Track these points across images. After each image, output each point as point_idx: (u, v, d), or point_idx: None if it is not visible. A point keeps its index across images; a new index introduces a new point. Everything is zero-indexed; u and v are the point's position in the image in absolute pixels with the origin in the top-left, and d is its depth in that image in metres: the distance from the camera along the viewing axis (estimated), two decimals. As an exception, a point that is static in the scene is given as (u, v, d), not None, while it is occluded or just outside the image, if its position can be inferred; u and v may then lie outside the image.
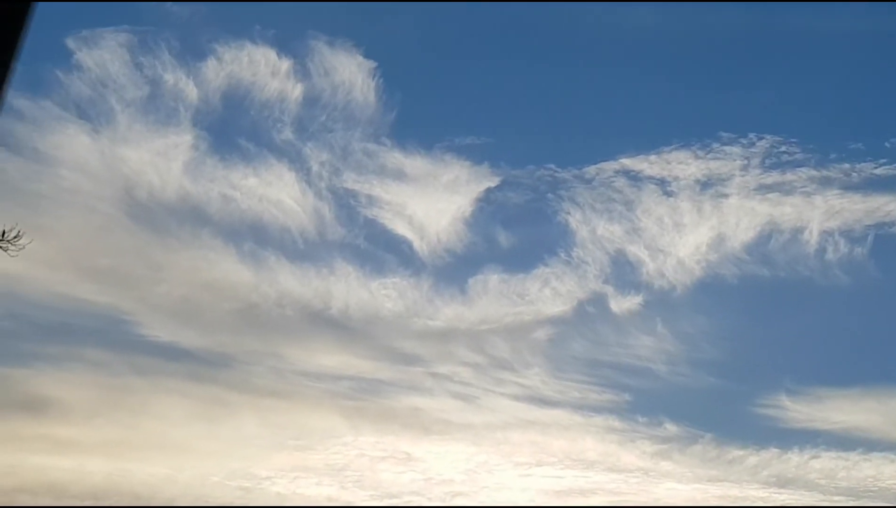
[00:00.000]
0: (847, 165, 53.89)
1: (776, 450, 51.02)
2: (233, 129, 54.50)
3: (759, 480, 50.34)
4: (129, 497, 47.44)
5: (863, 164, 53.83)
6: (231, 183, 53.27)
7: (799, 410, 51.51)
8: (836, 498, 49.47)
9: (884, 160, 53.73)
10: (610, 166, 54.49)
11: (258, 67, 53.93)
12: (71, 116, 52.26)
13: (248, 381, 51.46)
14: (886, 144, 54.19)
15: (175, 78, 53.24)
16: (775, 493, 49.96)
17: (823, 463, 50.65)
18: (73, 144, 52.03)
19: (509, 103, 57.12)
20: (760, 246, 53.90)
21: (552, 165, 54.70)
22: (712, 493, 49.92)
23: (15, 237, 28.09)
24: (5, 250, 25.52)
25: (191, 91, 53.22)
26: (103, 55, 52.68)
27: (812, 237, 53.57)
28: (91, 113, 52.61)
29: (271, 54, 54.00)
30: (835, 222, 53.72)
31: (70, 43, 52.53)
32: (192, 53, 53.65)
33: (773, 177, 54.04)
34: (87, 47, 52.55)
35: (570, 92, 56.98)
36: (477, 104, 57.07)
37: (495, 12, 55.84)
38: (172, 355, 51.21)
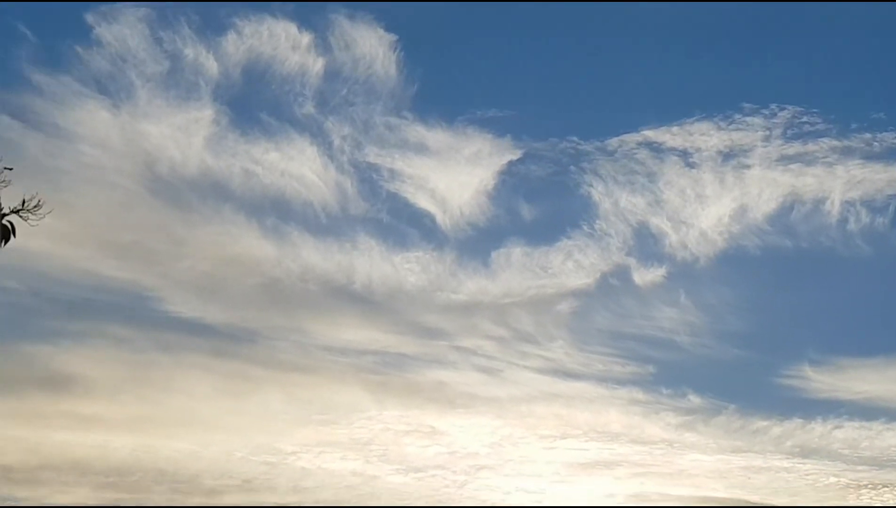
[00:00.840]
0: (868, 135, 54.14)
1: (799, 420, 51.24)
2: (254, 103, 54.73)
3: (783, 450, 50.55)
4: (154, 473, 47.84)
5: (884, 133, 54.14)
6: (253, 158, 53.50)
7: (822, 380, 51.78)
8: (860, 468, 49.83)
9: (906, 130, 53.86)
10: (632, 138, 54.74)
11: (278, 41, 54.00)
12: (91, 92, 52.53)
13: (272, 356, 51.71)
14: (908, 114, 54.21)
15: (195, 52, 53.40)
16: (799, 463, 50.17)
17: (846, 433, 50.87)
18: (93, 119, 52.31)
19: (531, 76, 57.36)
20: (783, 217, 54.19)
21: (574, 138, 55.06)
22: (736, 464, 50.19)
23: (35, 207, 27.94)
24: (25, 220, 25.46)
25: (211, 66, 53.39)
26: (122, 30, 52.89)
27: (834, 208, 53.80)
28: (111, 88, 52.90)
29: (292, 28, 54.12)
30: (856, 192, 53.92)
31: (89, 18, 52.83)
32: (211, 28, 53.80)
33: (795, 147, 54.21)
34: (107, 22, 52.78)
35: (591, 64, 57.26)
36: (498, 77, 57.47)
37: (516, -14, 55.85)
38: (196, 330, 51.50)
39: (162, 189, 52.52)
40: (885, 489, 48.78)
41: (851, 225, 53.43)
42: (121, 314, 51.02)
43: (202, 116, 53.06)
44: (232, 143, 53.36)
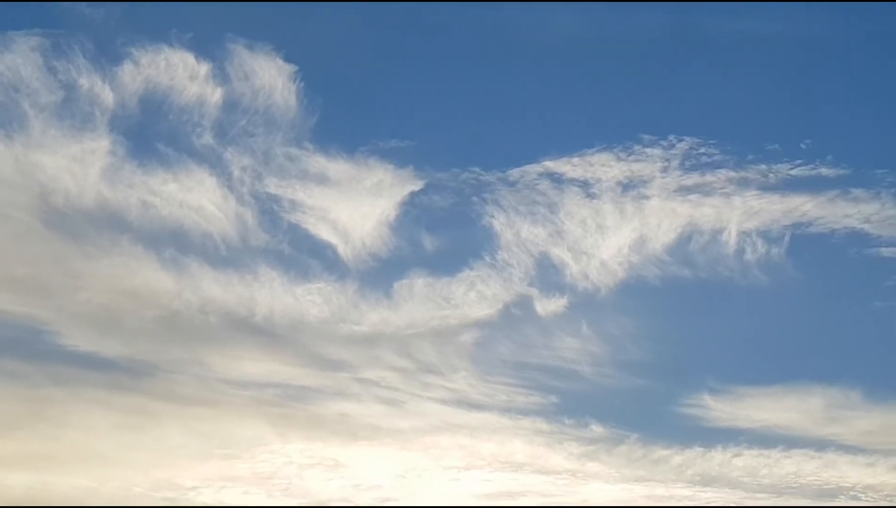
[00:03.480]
0: (764, 166, 54.97)
1: (700, 449, 51.71)
2: (151, 134, 53.75)
3: (684, 479, 51.02)
4: (51, 512, 46.64)
5: (779, 165, 54.94)
6: (150, 189, 52.64)
7: (721, 409, 52.21)
8: (759, 496, 50.46)
9: (799, 161, 54.92)
10: (533, 169, 54.91)
11: (176, 71, 53.37)
12: (-18, 123, 51.22)
13: (172, 390, 50.94)
14: (802, 145, 55.28)
15: (90, 82, 52.55)
16: (700, 492, 50.65)
17: (746, 461, 51.45)
18: (-15, 151, 51.02)
19: (433, 106, 56.99)
20: (681, 247, 54.55)
21: (476, 168, 55.11)
22: (638, 493, 50.60)
23: None
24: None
25: (107, 96, 52.54)
26: (14, 59, 51.84)
27: (731, 238, 54.40)
28: (3, 119, 51.73)
29: (189, 58, 53.54)
30: (753, 222, 54.60)
31: (-21, 47, 51.73)
32: (107, 57, 52.93)
33: (693, 178, 54.84)
34: (-2, 51, 51.69)
35: (493, 94, 57.18)
36: (400, 107, 56.88)
37: (417, 15, 55.85)
38: (93, 364, 50.53)
39: (57, 221, 51.49)
40: (784, 515, 49.66)
41: (748, 255, 54.20)
42: (15, 349, 49.88)
43: (98, 147, 52.20)
44: (129, 174, 52.56)
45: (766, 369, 53.83)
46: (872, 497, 50.08)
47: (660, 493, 50.45)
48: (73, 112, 52.25)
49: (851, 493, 50.31)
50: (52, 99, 52.10)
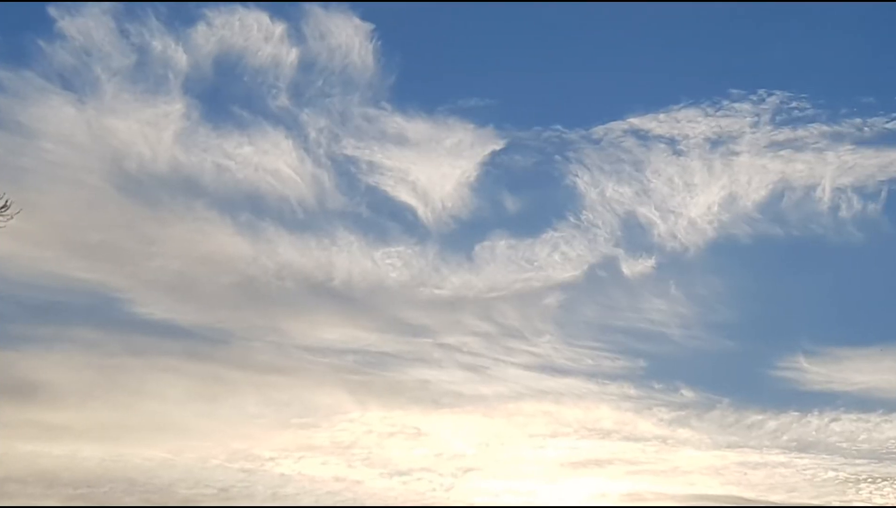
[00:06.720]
0: (859, 120, 53.65)
1: (795, 413, 50.54)
2: (225, 96, 53.58)
3: (779, 445, 49.91)
4: (125, 483, 46.43)
5: (874, 118, 53.62)
6: (225, 152, 52.39)
7: (817, 371, 51.11)
8: (858, 462, 49.15)
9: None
10: (618, 126, 54.10)
11: (250, 31, 53.01)
12: (55, 87, 51.24)
13: (249, 357, 50.49)
14: (898, 98, 53.57)
15: (163, 45, 52.21)
16: (796, 458, 49.46)
17: (844, 426, 50.24)
18: (57, 115, 50.95)
19: (513, 63, 56.53)
20: (773, 204, 53.62)
21: (559, 126, 54.31)
22: (731, 459, 49.44)
23: (3, 207, 26.92)
24: (-4, 223, 24.38)
25: (180, 58, 52.22)
26: (87, 23, 51.62)
27: (825, 194, 53.31)
28: (76, 83, 51.62)
29: (264, 18, 53.09)
30: (847, 178, 53.40)
31: (52, 11, 51.53)
32: (180, 19, 52.58)
33: (785, 133, 53.73)
34: (70, 15, 51.48)
35: (575, 51, 56.56)
36: (479, 65, 56.56)
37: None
38: (168, 332, 50.21)
39: (131, 186, 51.38)
40: (885, 482, 48.33)
41: (843, 212, 53.15)
42: (89, 317, 49.80)
43: (172, 111, 52.07)
44: (203, 137, 52.39)
45: (864, 329, 52.78)
46: (977, 465, 48.84)
47: (754, 460, 49.42)
48: (146, 76, 52.13)
49: (955, 460, 49.10)
50: (124, 63, 52.00)
